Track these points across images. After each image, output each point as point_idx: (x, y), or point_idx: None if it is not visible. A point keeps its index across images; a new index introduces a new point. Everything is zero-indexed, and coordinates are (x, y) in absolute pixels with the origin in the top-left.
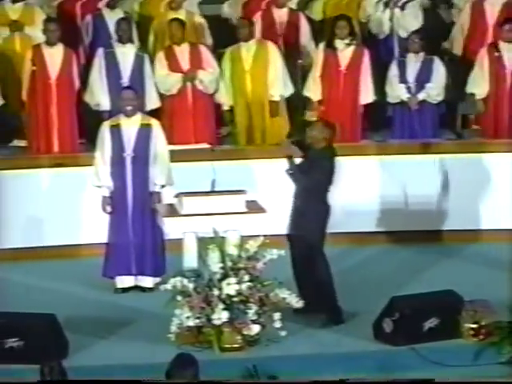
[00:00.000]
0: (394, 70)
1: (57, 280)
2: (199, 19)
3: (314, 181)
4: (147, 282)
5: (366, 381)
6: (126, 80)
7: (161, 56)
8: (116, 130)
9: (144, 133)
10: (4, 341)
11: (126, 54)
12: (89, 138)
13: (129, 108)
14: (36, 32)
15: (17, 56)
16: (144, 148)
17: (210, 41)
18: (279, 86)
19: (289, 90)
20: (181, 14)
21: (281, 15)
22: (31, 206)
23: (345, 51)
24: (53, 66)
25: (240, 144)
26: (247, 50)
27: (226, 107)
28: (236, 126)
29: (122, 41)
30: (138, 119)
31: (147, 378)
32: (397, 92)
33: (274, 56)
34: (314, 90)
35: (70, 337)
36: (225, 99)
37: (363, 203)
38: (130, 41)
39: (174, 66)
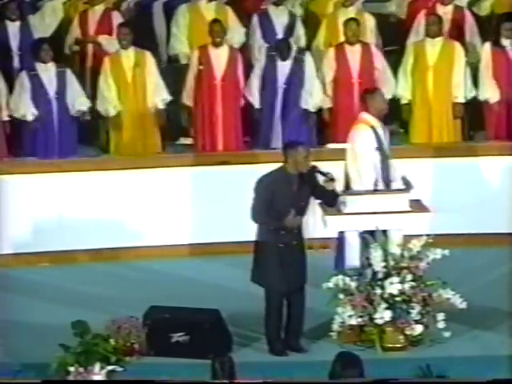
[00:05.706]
0: None
1: (220, 276)
2: (369, 17)
3: None
4: None
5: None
6: (281, 82)
7: (331, 55)
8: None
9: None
10: (170, 335)
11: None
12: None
13: None
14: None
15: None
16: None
17: (377, 39)
18: (464, 88)
19: (471, 93)
20: (351, 12)
21: (445, 12)
22: (193, 203)
23: None
24: (218, 66)
25: (413, 139)
26: (432, 46)
27: (404, 101)
28: (412, 121)
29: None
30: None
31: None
32: None
33: (460, 57)
34: (491, 91)
35: (234, 332)
36: (403, 93)
37: None
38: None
39: (343, 68)
